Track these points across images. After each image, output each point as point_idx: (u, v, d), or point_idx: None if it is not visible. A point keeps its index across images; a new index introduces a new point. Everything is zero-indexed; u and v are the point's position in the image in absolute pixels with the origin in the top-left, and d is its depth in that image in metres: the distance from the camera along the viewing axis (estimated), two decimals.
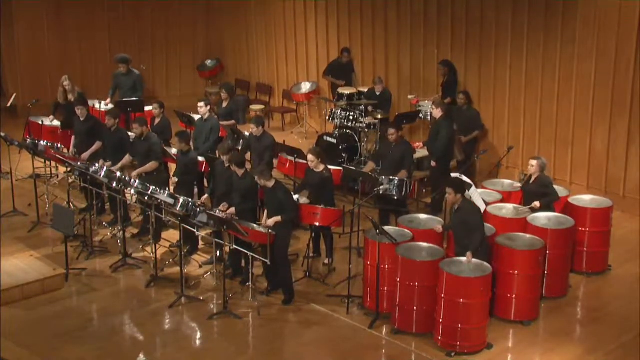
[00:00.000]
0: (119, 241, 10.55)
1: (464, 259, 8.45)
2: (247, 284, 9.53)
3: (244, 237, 9.00)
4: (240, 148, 11.58)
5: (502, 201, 10.15)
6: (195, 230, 9.71)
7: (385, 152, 10.93)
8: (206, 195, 10.29)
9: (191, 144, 10.88)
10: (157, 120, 11.96)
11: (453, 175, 10.22)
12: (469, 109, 12.78)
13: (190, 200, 9.68)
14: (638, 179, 11.78)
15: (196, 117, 12.50)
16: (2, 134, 11.88)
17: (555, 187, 9.93)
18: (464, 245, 8.58)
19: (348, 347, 8.53)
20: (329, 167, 10.28)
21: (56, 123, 13.06)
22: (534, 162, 9.72)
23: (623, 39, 11.53)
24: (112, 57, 16.67)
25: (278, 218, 9.12)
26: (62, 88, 13.07)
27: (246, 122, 15.73)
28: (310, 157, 9.84)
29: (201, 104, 11.67)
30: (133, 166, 11.10)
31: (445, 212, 10.34)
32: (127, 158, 11.02)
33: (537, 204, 9.61)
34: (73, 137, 11.98)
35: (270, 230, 8.98)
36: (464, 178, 9.87)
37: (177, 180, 10.46)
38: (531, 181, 9.80)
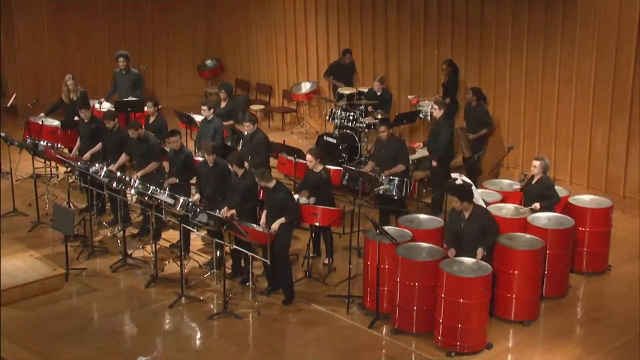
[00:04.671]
0: (119, 241, 10.56)
1: (468, 259, 8.43)
2: (247, 284, 9.54)
3: (244, 237, 9.00)
4: (240, 148, 11.58)
5: (502, 201, 10.15)
6: (194, 230, 9.70)
7: (378, 151, 10.96)
8: (197, 195, 10.26)
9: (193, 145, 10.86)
10: (152, 119, 11.97)
11: (453, 175, 10.21)
12: (478, 106, 12.69)
13: (190, 200, 9.68)
14: (638, 179, 11.78)
15: (196, 117, 12.50)
16: (2, 134, 11.86)
17: (555, 187, 9.93)
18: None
19: (348, 347, 8.53)
20: (329, 167, 10.28)
21: (52, 121, 12.98)
22: (536, 163, 9.69)
23: (623, 39, 11.53)
24: (112, 58, 16.70)
25: (282, 220, 9.11)
26: (65, 87, 13.03)
27: None
28: (308, 157, 9.86)
29: (204, 107, 11.69)
30: (131, 166, 11.07)
31: (445, 212, 10.32)
32: (123, 157, 11.02)
33: (537, 205, 9.59)
34: (78, 139, 11.94)
35: (271, 231, 8.98)
36: (464, 178, 9.86)
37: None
38: (533, 182, 9.79)
